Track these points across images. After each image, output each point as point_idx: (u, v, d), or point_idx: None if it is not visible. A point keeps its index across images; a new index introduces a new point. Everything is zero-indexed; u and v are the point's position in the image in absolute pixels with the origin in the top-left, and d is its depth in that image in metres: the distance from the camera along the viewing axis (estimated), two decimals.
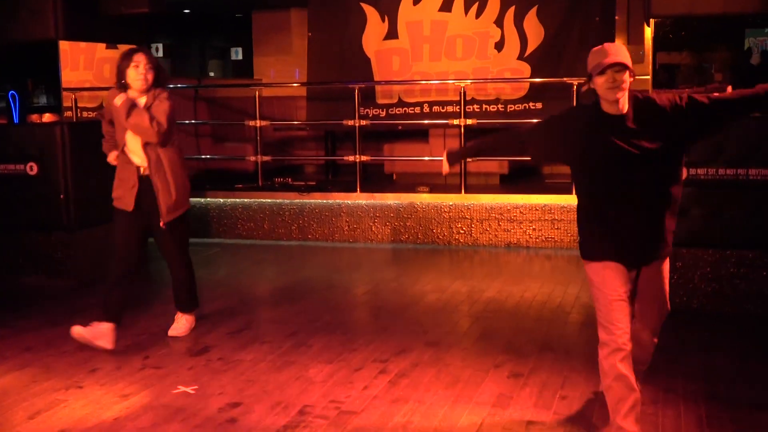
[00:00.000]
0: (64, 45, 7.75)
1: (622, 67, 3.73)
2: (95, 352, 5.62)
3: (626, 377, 3.74)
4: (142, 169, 5.63)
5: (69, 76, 7.93)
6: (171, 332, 5.98)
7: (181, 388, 4.90)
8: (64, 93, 7.96)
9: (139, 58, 5.51)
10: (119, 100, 5.49)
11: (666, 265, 4.03)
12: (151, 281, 7.89)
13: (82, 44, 8.04)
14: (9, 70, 8.60)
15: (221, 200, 9.70)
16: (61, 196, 7.61)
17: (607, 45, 3.89)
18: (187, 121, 10.65)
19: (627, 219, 3.80)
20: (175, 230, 5.79)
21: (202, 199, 9.72)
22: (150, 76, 5.57)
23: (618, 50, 3.83)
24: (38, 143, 7.64)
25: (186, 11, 12.01)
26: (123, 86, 5.55)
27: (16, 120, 7.92)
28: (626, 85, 3.76)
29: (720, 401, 4.55)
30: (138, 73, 5.53)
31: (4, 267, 7.82)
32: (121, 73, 5.57)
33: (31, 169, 7.62)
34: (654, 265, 3.96)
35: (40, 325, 6.32)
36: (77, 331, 5.60)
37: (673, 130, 3.72)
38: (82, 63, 8.14)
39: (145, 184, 5.63)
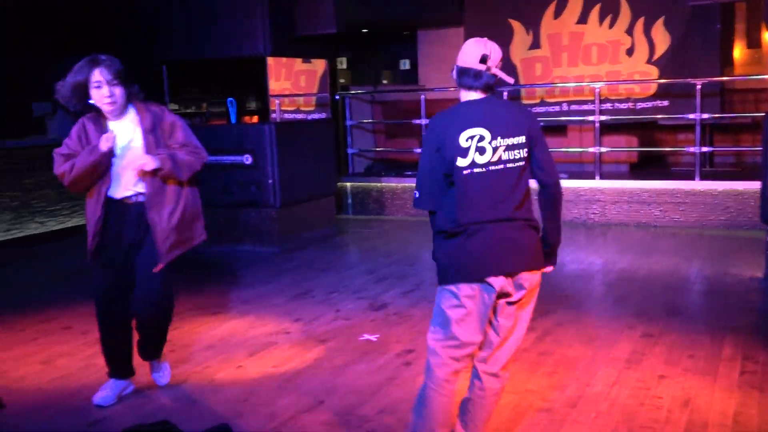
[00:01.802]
0: (269, 60, 8.02)
1: None
2: (299, 304, 5.80)
3: None
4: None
5: (273, 85, 8.18)
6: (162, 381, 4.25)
7: (366, 336, 5.01)
8: (270, 99, 8.24)
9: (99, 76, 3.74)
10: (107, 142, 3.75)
11: None
12: (335, 246, 8.10)
13: (283, 59, 8.28)
14: (227, 80, 8.95)
15: (393, 184, 9.82)
16: (270, 181, 7.90)
17: None
18: (365, 120, 10.85)
19: None
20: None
21: (379, 184, 9.89)
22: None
23: None
24: (252, 139, 7.95)
25: (364, 30, 12.17)
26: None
27: (233, 121, 8.24)
28: None
29: None
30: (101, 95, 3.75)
31: (225, 237, 8.19)
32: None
33: (247, 159, 7.93)
34: None
35: (254, 282, 6.60)
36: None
37: None
38: (284, 74, 8.39)
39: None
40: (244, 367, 4.52)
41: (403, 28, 12.41)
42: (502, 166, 2.90)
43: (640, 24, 9.42)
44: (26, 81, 9.41)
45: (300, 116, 8.70)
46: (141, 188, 3.87)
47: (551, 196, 3.08)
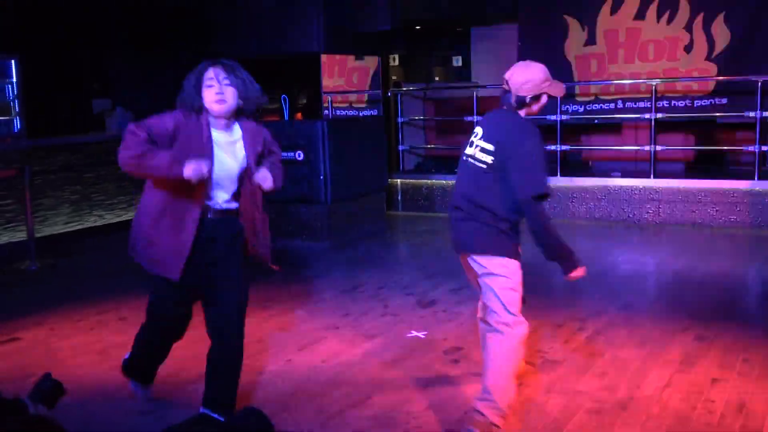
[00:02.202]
0: (323, 57, 8.06)
1: None
2: (348, 299, 5.83)
3: None
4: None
5: (326, 82, 8.22)
6: None
7: (414, 333, 5.00)
8: (323, 95, 8.29)
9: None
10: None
11: None
12: (385, 243, 8.10)
13: (337, 56, 8.31)
14: (280, 77, 9.03)
15: (444, 181, 9.78)
16: (321, 177, 7.95)
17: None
18: (417, 117, 10.83)
19: None
20: None
21: (429, 181, 9.86)
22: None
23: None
24: (304, 136, 8.02)
25: (417, 27, 12.15)
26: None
27: (286, 118, 8.31)
28: None
29: None
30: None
31: (276, 232, 8.23)
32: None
33: (299, 155, 8.00)
34: None
35: (304, 277, 6.65)
36: None
37: None
38: (337, 71, 8.42)
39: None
40: (292, 361, 4.56)
41: (457, 25, 12.35)
42: (472, 161, 3.50)
43: (699, 20, 9.19)
44: (87, 78, 9.66)
45: (352, 113, 8.73)
46: (230, 199, 3.53)
47: (525, 215, 3.49)
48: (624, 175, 8.83)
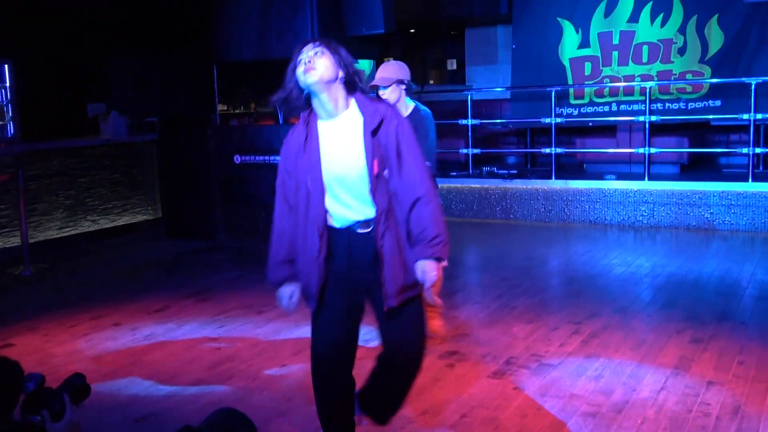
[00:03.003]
0: None
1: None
2: None
3: None
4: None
5: None
6: None
7: None
8: None
9: None
10: None
11: None
12: None
13: None
14: (275, 80, 9.02)
15: (438, 185, 9.74)
16: None
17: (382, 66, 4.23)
18: None
19: None
20: None
21: None
22: None
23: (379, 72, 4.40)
24: None
25: (411, 30, 12.16)
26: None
27: (281, 121, 8.31)
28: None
29: None
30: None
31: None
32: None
33: None
34: None
35: None
36: None
37: None
38: None
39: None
40: (288, 365, 4.55)
41: (451, 28, 12.37)
42: None
43: (693, 22, 9.23)
44: (81, 82, 9.64)
45: None
46: (364, 213, 2.90)
47: None
48: (619, 178, 8.84)
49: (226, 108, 8.92)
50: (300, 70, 2.85)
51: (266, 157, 8.14)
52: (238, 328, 5.32)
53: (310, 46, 2.88)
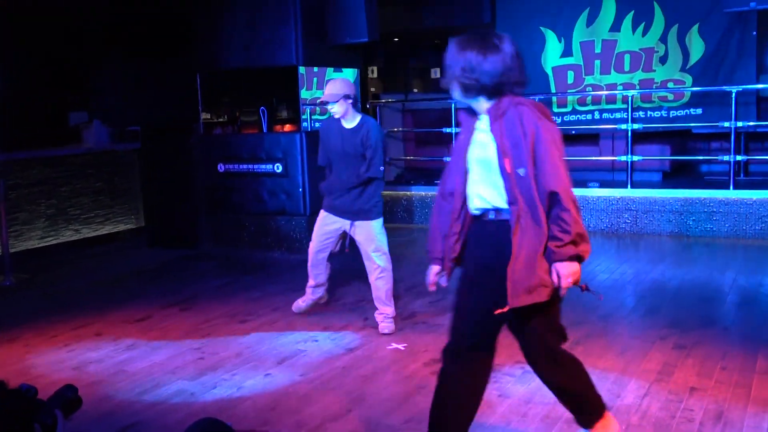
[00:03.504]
0: (301, 69, 8.06)
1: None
2: (328, 313, 5.81)
3: None
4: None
5: (304, 94, 8.22)
6: None
7: (394, 345, 5.00)
8: (301, 108, 8.28)
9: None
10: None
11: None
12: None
13: (315, 68, 8.32)
14: (259, 89, 9.02)
15: (423, 193, 9.80)
16: (300, 189, 7.94)
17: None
18: (396, 129, 10.86)
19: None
20: None
21: (408, 192, 9.87)
22: None
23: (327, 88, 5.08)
24: (283, 148, 8.00)
25: (395, 39, 12.20)
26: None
27: (265, 130, 8.29)
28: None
29: None
30: None
31: (255, 244, 8.25)
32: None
33: (278, 168, 7.99)
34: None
35: (283, 290, 6.61)
36: None
37: None
38: (315, 84, 8.43)
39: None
40: (272, 375, 4.53)
41: (435, 37, 12.41)
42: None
43: (674, 31, 9.31)
44: (63, 90, 9.58)
45: None
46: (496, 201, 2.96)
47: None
48: (602, 186, 8.89)
49: (209, 116, 8.89)
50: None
51: (250, 166, 8.12)
52: (222, 337, 5.29)
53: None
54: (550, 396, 4.00)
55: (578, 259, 2.87)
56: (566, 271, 2.85)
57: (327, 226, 5.41)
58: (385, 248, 5.32)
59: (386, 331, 5.24)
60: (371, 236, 5.25)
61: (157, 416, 3.97)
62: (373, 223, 5.25)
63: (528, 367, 4.45)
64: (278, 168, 7.97)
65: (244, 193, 8.20)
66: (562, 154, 2.91)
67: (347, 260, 7.81)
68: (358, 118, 5.19)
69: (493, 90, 2.92)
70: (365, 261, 5.34)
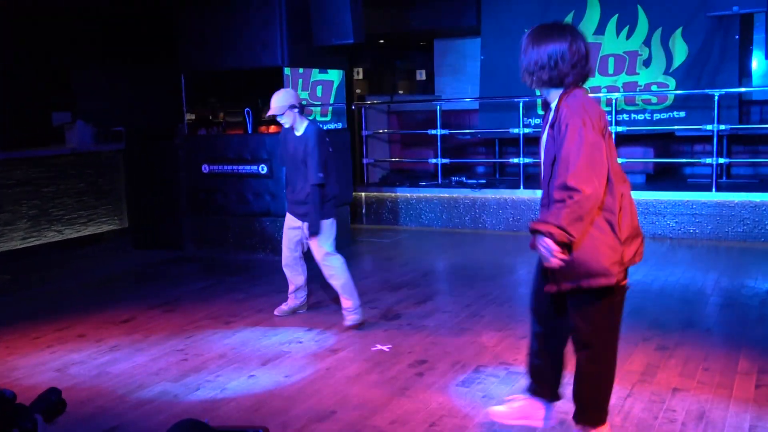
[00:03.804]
0: (287, 70, 8.04)
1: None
2: (311, 315, 5.81)
3: None
4: None
5: None
6: None
7: (379, 346, 4.99)
8: None
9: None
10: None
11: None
12: (349, 256, 8.07)
13: (300, 69, 8.31)
14: (244, 90, 8.99)
15: (408, 194, 9.81)
16: (284, 190, 7.90)
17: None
18: (381, 131, 10.87)
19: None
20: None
21: (393, 194, 9.88)
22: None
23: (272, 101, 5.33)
24: (267, 149, 7.98)
25: (381, 41, 12.21)
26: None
27: (250, 131, 8.27)
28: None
29: None
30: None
31: (240, 246, 8.22)
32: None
33: (262, 169, 7.97)
34: None
35: (268, 291, 6.60)
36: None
37: None
38: (301, 85, 8.42)
39: None
40: (256, 376, 4.52)
41: (420, 39, 12.43)
42: None
43: (657, 35, 9.38)
44: (47, 91, 9.51)
45: None
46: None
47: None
48: None
49: (194, 117, 8.85)
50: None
51: (235, 167, 8.09)
52: (206, 338, 5.27)
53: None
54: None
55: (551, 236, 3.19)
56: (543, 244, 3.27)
57: (290, 227, 5.64)
58: (329, 248, 5.45)
59: (349, 323, 5.37)
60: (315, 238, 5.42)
61: (140, 418, 3.95)
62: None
63: (512, 368, 4.49)
64: (263, 169, 7.95)
65: (228, 195, 8.18)
66: (588, 152, 3.01)
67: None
68: (305, 124, 5.43)
69: (557, 82, 3.16)
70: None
